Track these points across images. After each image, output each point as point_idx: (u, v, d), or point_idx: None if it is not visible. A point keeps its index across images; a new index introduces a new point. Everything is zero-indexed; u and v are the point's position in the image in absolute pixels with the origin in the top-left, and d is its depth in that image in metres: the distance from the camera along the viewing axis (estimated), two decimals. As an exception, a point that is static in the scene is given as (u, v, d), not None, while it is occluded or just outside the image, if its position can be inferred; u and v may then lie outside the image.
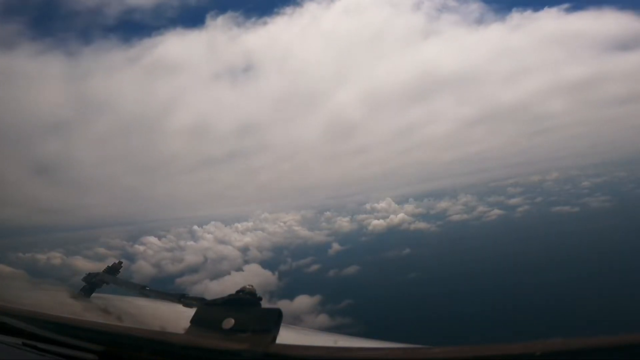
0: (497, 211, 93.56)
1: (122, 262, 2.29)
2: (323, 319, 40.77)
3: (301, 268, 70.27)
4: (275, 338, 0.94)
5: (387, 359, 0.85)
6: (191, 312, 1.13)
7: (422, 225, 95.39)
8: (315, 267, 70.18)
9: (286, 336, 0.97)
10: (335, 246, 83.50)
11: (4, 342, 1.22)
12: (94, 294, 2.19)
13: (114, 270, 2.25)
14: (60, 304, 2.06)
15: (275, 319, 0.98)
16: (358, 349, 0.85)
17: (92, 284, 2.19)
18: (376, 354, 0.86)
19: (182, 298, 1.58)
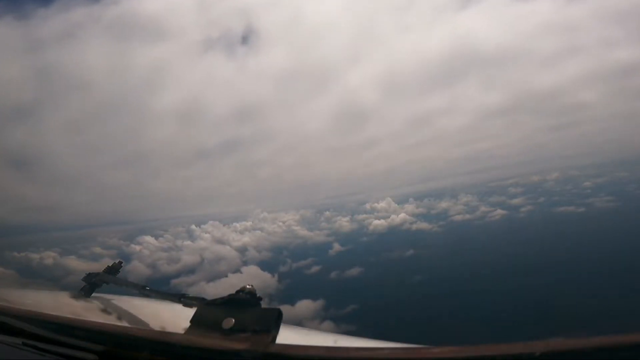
0: (500, 211, 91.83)
1: (122, 262, 2.29)
2: (328, 326, 39.46)
3: (301, 269, 66.88)
4: (275, 338, 0.94)
5: (387, 359, 0.85)
6: (191, 312, 1.13)
7: (424, 225, 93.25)
8: (316, 268, 66.33)
9: (286, 336, 0.97)
10: (336, 246, 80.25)
11: (4, 342, 1.22)
12: (94, 294, 2.18)
13: (114, 270, 2.25)
14: (60, 304, 2.06)
15: (275, 319, 0.98)
16: (358, 349, 0.85)
17: (92, 284, 2.18)
18: (376, 354, 0.85)
19: (182, 298, 1.58)
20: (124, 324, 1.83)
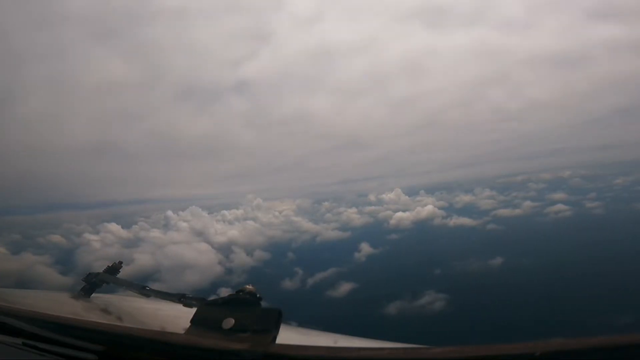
0: (561, 206, 75.90)
1: (122, 262, 2.29)
2: None
3: (323, 289, 39.45)
4: (275, 338, 0.94)
5: (387, 359, 0.85)
6: (191, 312, 1.13)
7: (464, 220, 74.35)
8: (347, 287, 39.01)
9: (286, 336, 0.98)
10: (364, 247, 53.98)
11: (4, 342, 1.22)
12: (94, 294, 2.19)
13: (114, 270, 2.25)
14: (60, 304, 2.07)
15: (275, 319, 0.98)
16: (358, 349, 0.85)
17: (92, 284, 2.19)
18: (376, 353, 0.86)
19: (182, 298, 1.59)
20: (124, 324, 1.83)
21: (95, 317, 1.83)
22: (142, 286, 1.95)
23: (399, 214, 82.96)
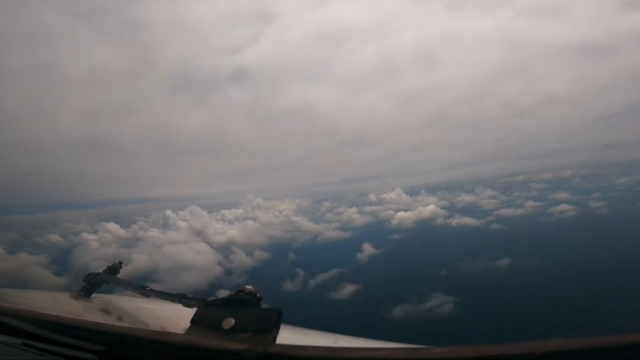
0: (565, 206, 75.29)
1: (122, 262, 2.29)
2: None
3: (325, 290, 38.95)
4: (275, 338, 0.94)
5: (387, 359, 0.85)
6: (191, 312, 1.13)
7: (467, 220, 74.41)
8: (350, 289, 38.66)
9: (286, 336, 0.98)
10: (366, 247, 53.66)
11: (4, 342, 1.22)
12: (94, 294, 2.19)
13: (114, 270, 2.25)
14: (60, 304, 2.07)
15: (275, 319, 0.98)
16: (358, 349, 0.85)
17: (92, 284, 2.19)
18: (376, 354, 0.85)
19: (182, 298, 1.59)
20: (124, 324, 1.83)
21: (95, 317, 1.83)
22: (142, 286, 1.95)
23: (401, 214, 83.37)
